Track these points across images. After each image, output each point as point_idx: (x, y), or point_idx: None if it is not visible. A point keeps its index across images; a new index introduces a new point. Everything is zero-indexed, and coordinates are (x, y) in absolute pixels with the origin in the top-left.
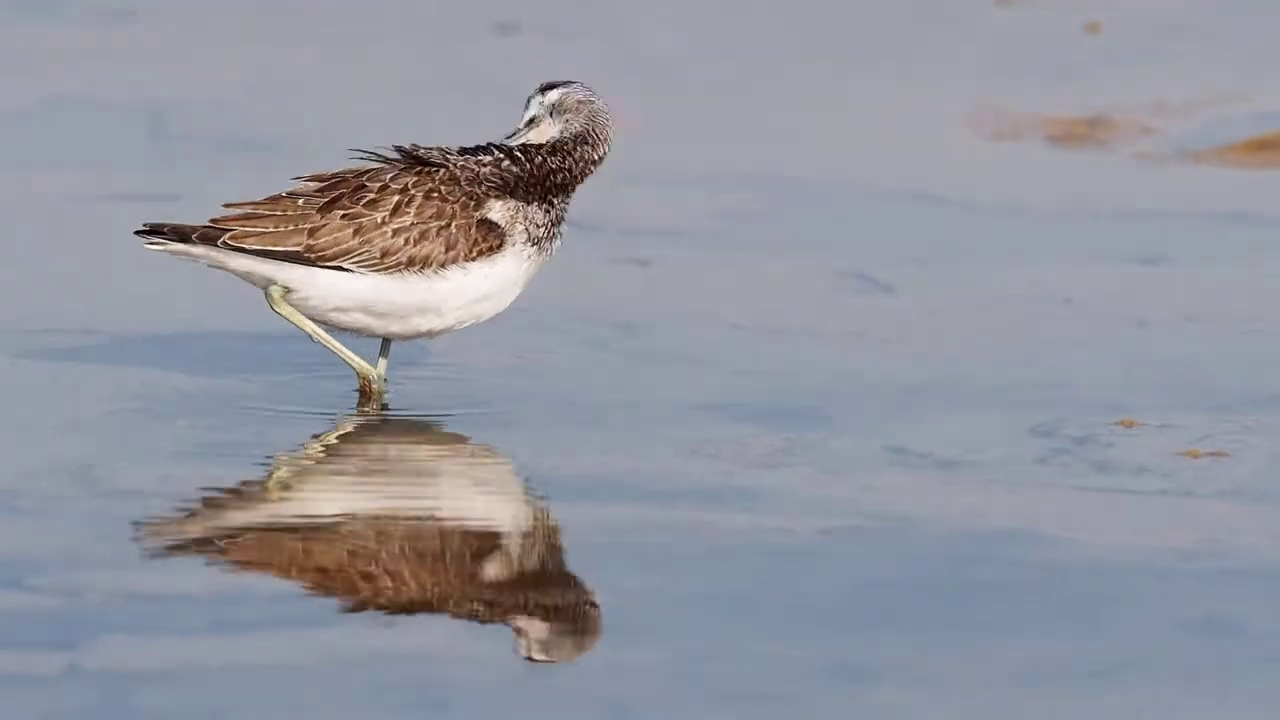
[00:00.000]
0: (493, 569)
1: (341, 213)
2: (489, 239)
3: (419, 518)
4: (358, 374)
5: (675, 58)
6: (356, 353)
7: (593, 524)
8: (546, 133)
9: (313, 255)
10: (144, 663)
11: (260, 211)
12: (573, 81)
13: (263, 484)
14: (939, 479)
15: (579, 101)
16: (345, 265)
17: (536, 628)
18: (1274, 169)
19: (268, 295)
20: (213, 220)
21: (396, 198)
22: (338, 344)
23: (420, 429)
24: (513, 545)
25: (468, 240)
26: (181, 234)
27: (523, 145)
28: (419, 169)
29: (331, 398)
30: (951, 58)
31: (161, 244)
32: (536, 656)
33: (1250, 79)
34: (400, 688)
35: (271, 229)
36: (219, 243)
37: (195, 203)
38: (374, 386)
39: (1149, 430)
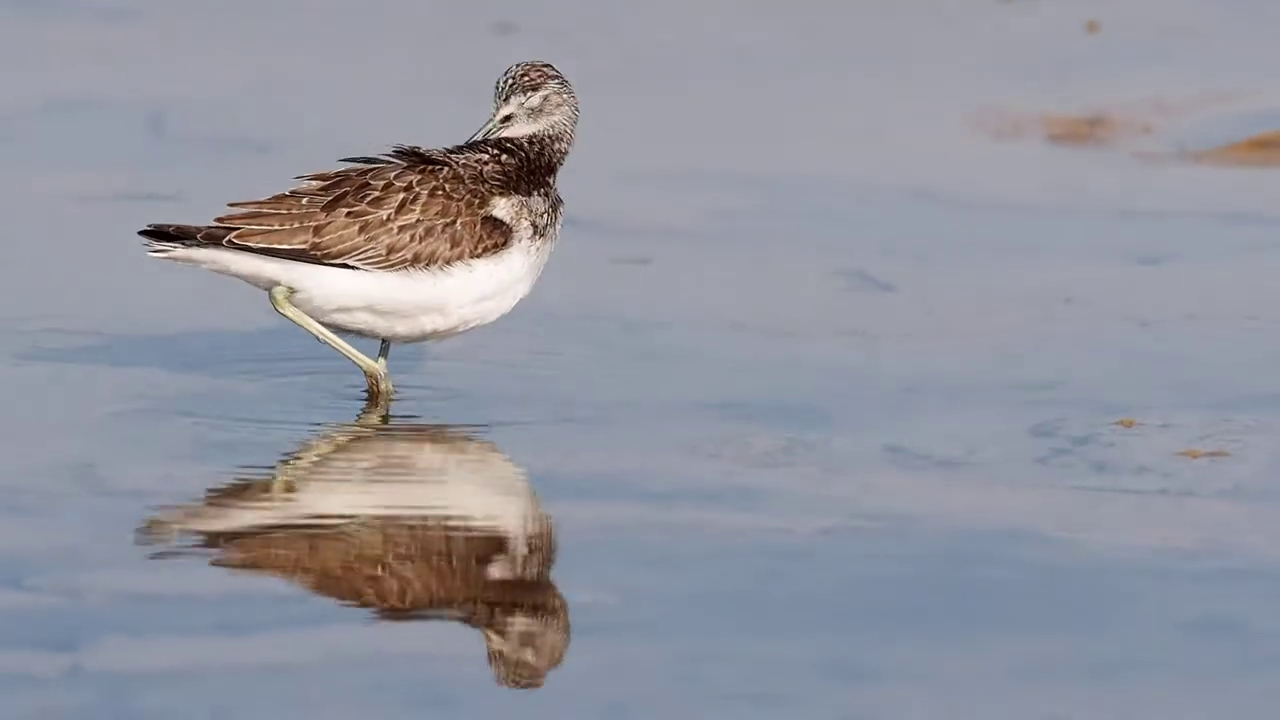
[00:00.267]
0: (495, 570)
1: (347, 210)
2: (494, 236)
3: (421, 518)
4: (365, 373)
5: (675, 58)
6: (363, 353)
7: (593, 523)
8: (522, 130)
9: (319, 253)
10: (145, 663)
11: (265, 210)
12: (547, 74)
13: (267, 484)
14: (939, 478)
15: (555, 96)
16: (351, 263)
17: (510, 648)
18: (1274, 169)
19: (272, 297)
20: (217, 219)
21: (401, 195)
22: (344, 344)
23: (421, 429)
24: (514, 545)
25: (473, 237)
26: (186, 234)
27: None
28: (422, 167)
29: (332, 398)
30: (951, 57)
31: (165, 252)
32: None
33: (1250, 79)
34: (402, 688)
35: (277, 227)
36: (224, 241)
37: (196, 203)
38: (382, 385)
39: (1149, 430)
